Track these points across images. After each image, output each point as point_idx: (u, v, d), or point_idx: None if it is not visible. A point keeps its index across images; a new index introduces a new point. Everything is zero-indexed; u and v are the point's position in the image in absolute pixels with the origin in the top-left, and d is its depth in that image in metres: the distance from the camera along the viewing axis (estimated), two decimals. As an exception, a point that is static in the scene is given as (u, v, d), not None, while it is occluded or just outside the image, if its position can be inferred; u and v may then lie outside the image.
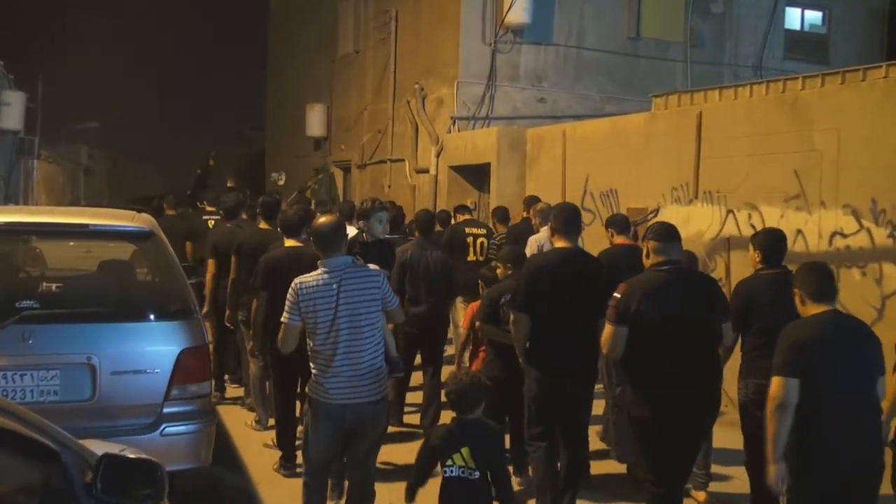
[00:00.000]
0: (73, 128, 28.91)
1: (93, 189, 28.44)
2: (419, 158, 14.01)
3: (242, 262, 6.60)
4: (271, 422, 6.31)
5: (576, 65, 13.83)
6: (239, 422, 6.87)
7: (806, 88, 7.65)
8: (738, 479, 5.35)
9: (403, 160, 14.46)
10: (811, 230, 7.17)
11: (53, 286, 6.09)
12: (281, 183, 18.61)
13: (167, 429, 4.43)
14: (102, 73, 38.97)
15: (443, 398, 7.25)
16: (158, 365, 4.43)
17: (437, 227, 9.55)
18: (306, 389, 4.46)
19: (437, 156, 13.23)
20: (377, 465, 4.64)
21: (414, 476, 3.93)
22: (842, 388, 3.65)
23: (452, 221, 9.74)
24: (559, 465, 4.93)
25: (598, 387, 5.48)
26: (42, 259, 7.59)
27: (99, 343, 4.37)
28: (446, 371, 5.99)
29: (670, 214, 8.33)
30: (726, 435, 5.47)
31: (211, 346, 7.06)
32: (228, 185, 20.58)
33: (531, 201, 8.54)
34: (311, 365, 4.25)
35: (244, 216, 8.02)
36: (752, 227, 7.41)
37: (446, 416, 5.11)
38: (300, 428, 5.06)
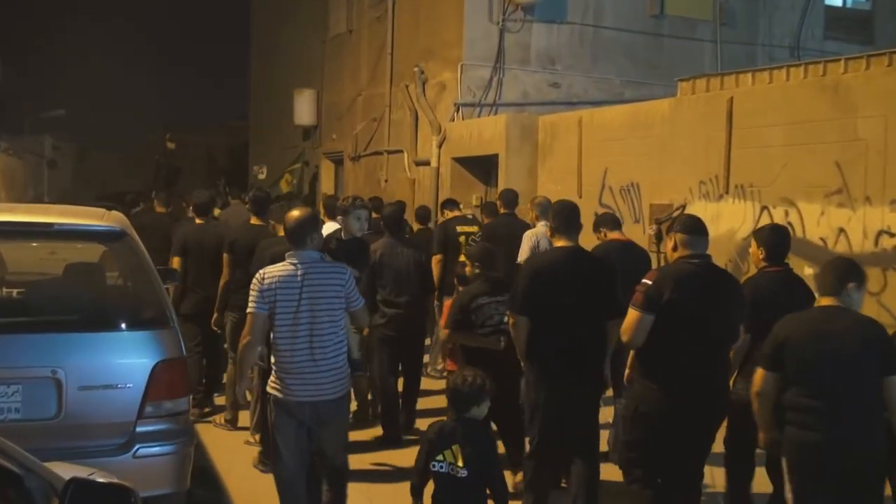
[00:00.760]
0: (37, 117, 28.89)
1: (58, 184, 28.34)
2: (419, 149, 14.01)
3: (237, 261, 6.87)
4: (242, 422, 6.87)
5: (592, 45, 13.79)
6: (221, 440, 6.92)
7: (849, 71, 7.64)
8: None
9: (402, 151, 14.47)
10: (854, 228, 7.18)
11: (14, 292, 6.12)
12: (262, 177, 18.69)
13: (141, 450, 4.42)
14: (69, 56, 38.98)
15: (428, 403, 7.48)
16: (131, 379, 4.43)
17: (416, 225, 9.68)
18: (266, 387, 4.73)
19: (439, 146, 13.23)
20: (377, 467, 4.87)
21: (416, 475, 4.21)
22: (825, 387, 4.04)
23: (440, 218, 9.77)
24: (566, 477, 5.16)
25: (608, 393, 5.68)
26: (1, 262, 7.59)
27: (65, 355, 4.37)
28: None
29: (698, 211, 8.29)
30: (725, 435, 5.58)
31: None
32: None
33: (508, 195, 8.69)
34: (272, 360, 4.60)
35: (217, 212, 8.30)
36: (790, 225, 7.42)
37: (423, 423, 5.94)
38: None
